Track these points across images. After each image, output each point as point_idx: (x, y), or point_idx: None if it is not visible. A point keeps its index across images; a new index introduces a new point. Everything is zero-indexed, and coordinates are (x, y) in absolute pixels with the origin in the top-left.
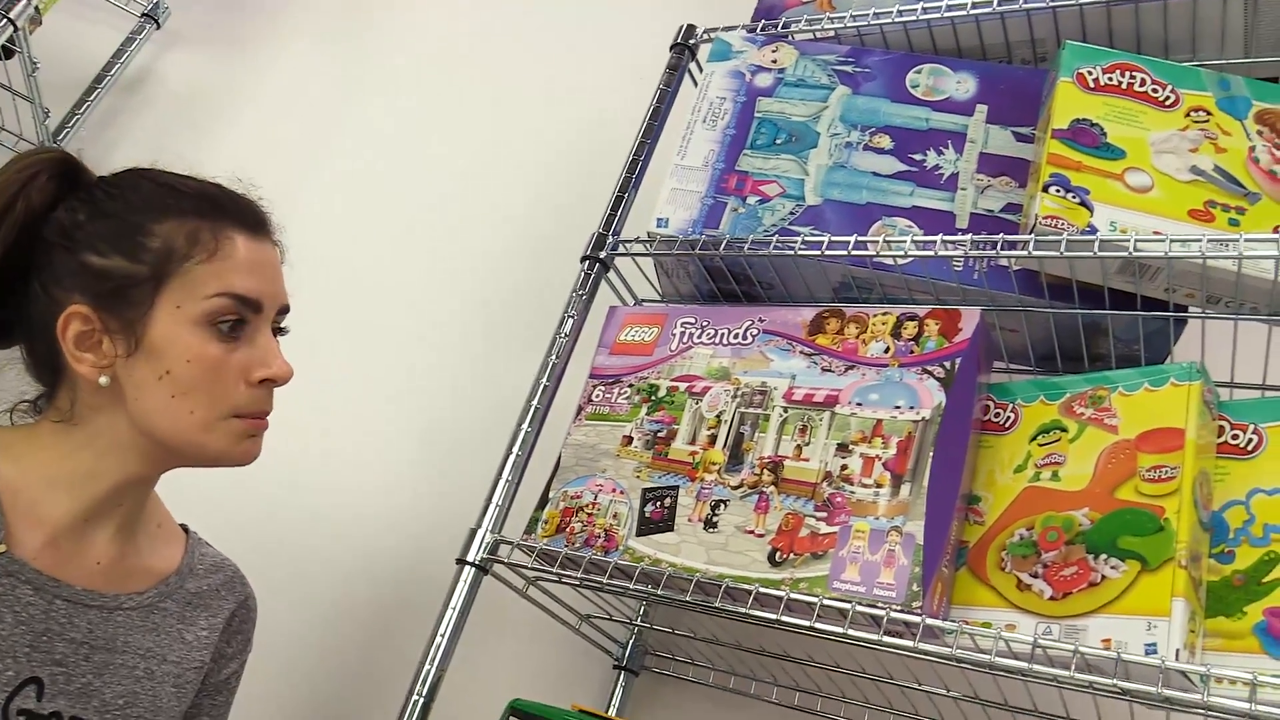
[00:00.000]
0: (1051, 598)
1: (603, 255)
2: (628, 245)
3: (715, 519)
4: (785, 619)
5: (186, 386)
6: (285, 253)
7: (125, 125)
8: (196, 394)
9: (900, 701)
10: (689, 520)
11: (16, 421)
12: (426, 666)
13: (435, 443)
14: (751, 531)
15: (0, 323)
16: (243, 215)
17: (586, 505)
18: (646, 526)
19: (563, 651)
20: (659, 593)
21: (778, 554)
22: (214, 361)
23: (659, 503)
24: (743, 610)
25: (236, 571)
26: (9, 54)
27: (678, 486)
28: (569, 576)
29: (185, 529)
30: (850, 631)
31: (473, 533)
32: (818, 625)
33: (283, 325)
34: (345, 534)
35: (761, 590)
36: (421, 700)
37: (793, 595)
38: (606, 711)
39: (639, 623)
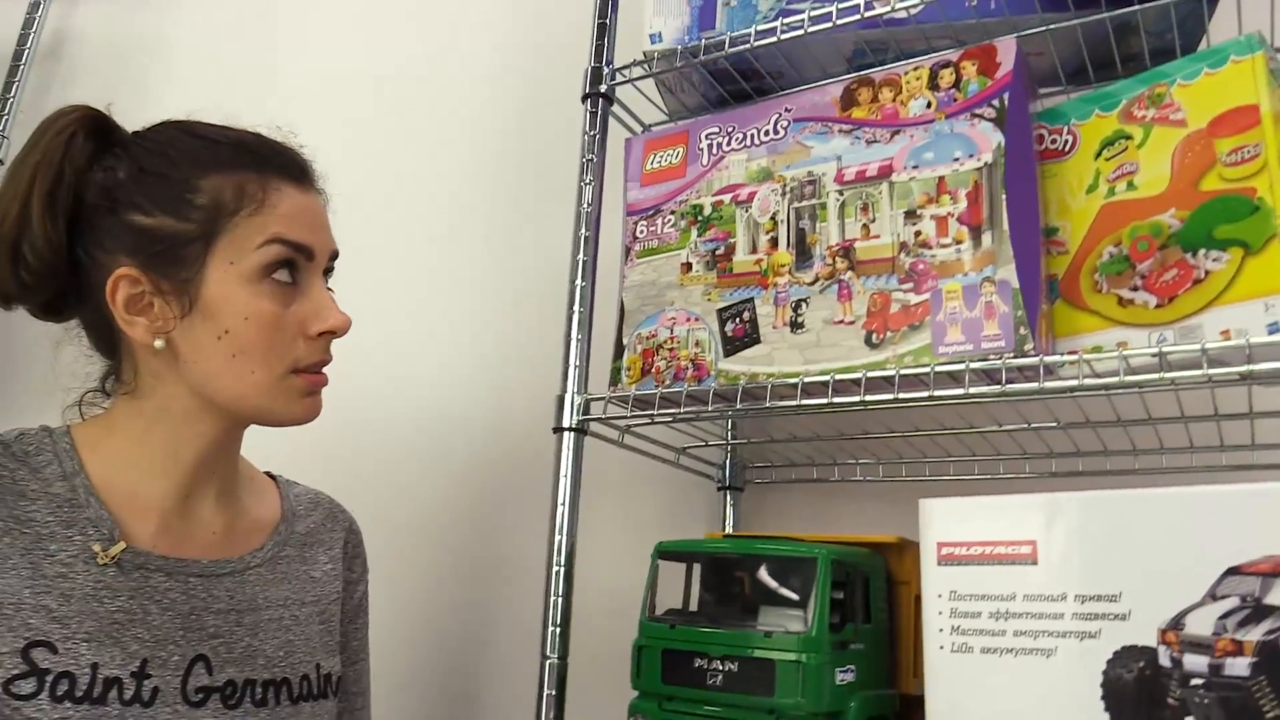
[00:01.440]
0: (1158, 305)
1: (603, 89)
2: (626, 72)
3: (800, 319)
4: (903, 396)
5: (246, 345)
6: (329, 200)
7: (63, 94)
8: (256, 352)
9: (1007, 446)
10: (773, 328)
11: (87, 412)
12: (557, 538)
13: (495, 325)
14: (840, 321)
15: (53, 296)
16: (287, 164)
17: (664, 342)
18: (732, 346)
19: (662, 492)
20: (768, 405)
21: (873, 336)
22: (272, 317)
23: (737, 319)
24: (857, 399)
25: (331, 501)
26: None
27: (752, 298)
28: (667, 414)
29: (271, 475)
30: (972, 390)
31: (560, 399)
32: (937, 393)
33: (332, 270)
34: (435, 435)
35: (869, 376)
36: (562, 570)
37: (902, 372)
38: (725, 527)
39: (733, 441)
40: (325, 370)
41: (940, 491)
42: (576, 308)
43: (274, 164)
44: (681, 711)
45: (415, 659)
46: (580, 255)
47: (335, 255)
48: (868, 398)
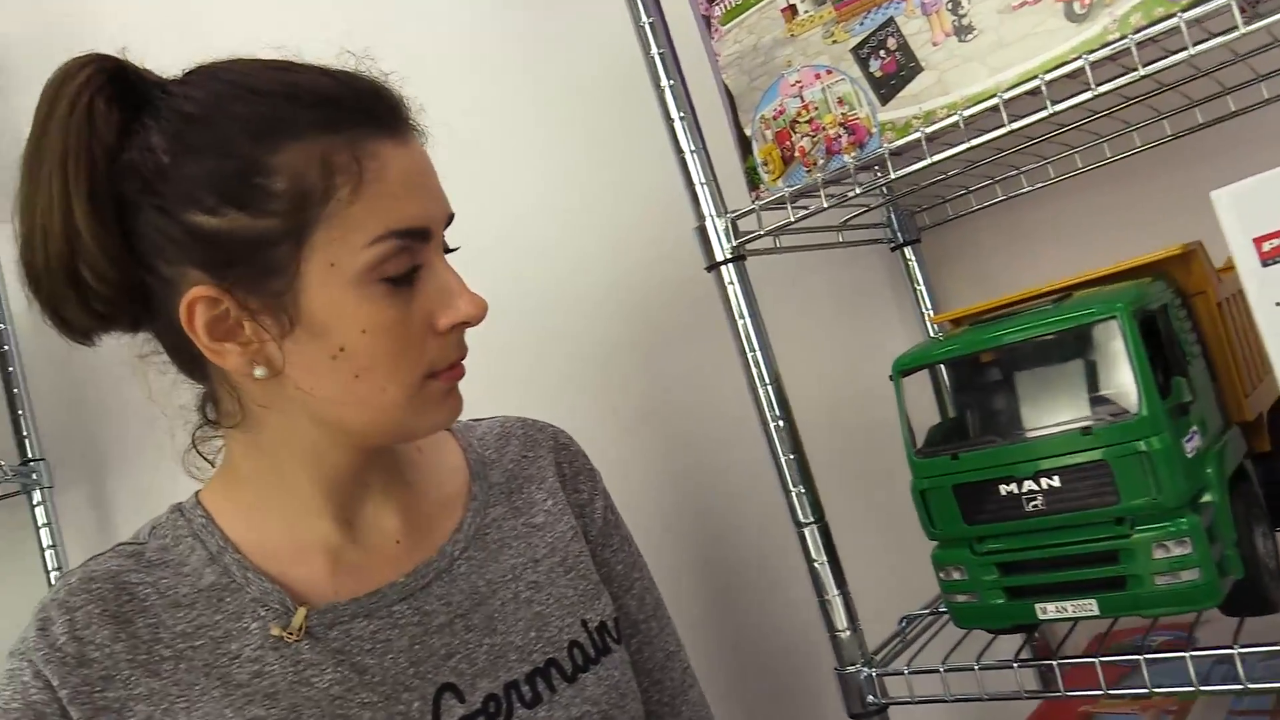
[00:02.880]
0: None
1: None
2: None
3: (964, 20)
4: (1150, 69)
5: (370, 362)
6: (425, 136)
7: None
8: (383, 368)
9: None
10: (933, 45)
11: (205, 454)
12: (754, 369)
13: (596, 169)
14: (1024, 2)
15: (106, 304)
16: (379, 112)
17: (798, 114)
18: (886, 87)
19: (829, 277)
20: (969, 143)
21: (1075, 5)
22: (395, 324)
23: (881, 51)
24: (1083, 93)
25: (523, 424)
26: None
27: (891, 18)
28: (835, 199)
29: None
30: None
31: (701, 230)
32: (1197, 48)
33: (448, 242)
34: (586, 311)
35: (1092, 60)
36: (769, 379)
37: (1135, 38)
38: (915, 286)
39: (891, 195)
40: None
41: (1159, 170)
42: (674, 113)
43: (363, 114)
44: (1002, 550)
45: (661, 544)
46: (654, 51)
47: (451, 219)
48: (1100, 89)
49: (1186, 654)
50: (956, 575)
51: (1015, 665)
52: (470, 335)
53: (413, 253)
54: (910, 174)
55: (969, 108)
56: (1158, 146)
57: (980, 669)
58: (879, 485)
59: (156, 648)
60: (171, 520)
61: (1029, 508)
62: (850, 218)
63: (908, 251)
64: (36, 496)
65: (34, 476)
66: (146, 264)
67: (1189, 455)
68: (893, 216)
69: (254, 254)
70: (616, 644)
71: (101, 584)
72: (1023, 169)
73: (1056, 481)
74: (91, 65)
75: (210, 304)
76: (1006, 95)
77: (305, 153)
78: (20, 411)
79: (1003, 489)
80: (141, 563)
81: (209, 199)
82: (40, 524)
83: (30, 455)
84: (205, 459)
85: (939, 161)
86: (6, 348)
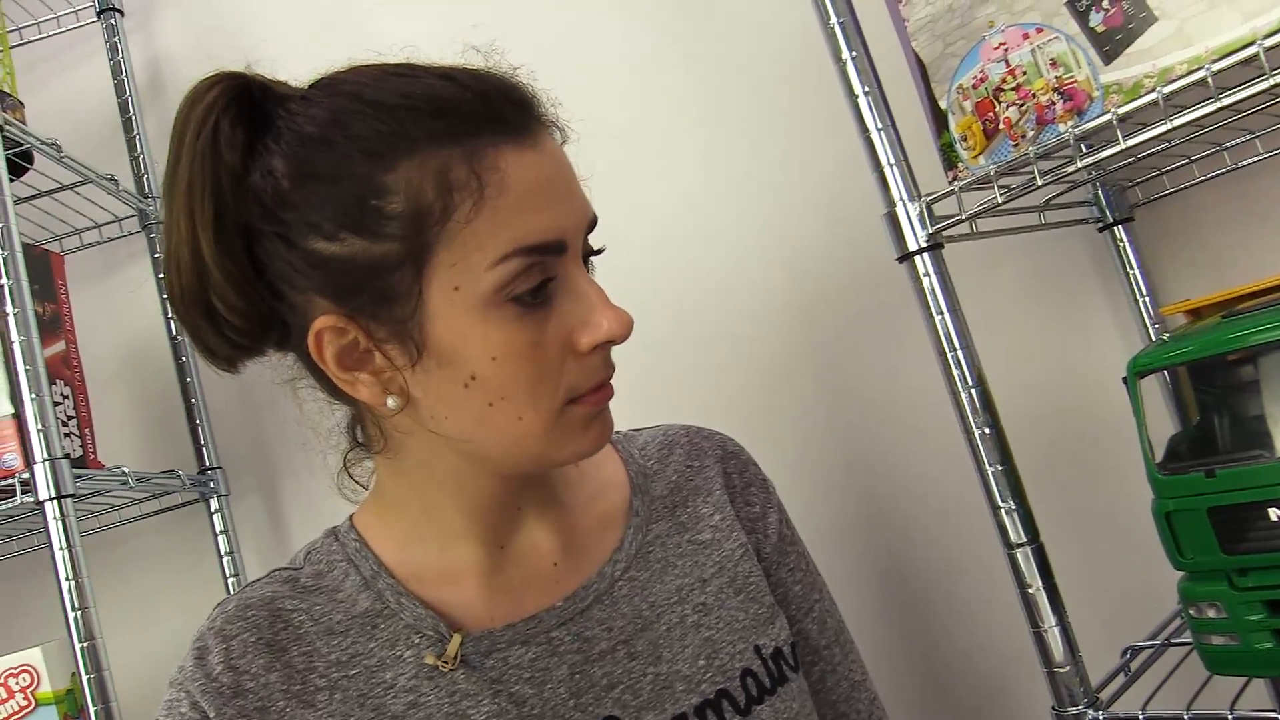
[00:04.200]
0: None
1: None
2: None
3: None
4: None
5: (503, 390)
6: (566, 132)
7: None
8: (518, 395)
9: None
10: None
11: (356, 477)
12: (955, 370)
13: (771, 158)
14: None
15: (240, 334)
16: (498, 117)
17: (1002, 81)
18: (1112, 44)
19: (1030, 261)
20: (1222, 102)
21: None
22: (527, 348)
23: (1104, 3)
24: None
25: (687, 431)
26: (22, 166)
27: None
28: (1050, 175)
29: None
30: None
31: (892, 216)
32: None
33: (593, 246)
34: (766, 305)
35: None
36: (973, 381)
37: None
38: (1128, 269)
39: (1096, 171)
40: (611, 383)
41: None
42: (859, 89)
43: (485, 121)
44: (1272, 586)
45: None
46: (832, 20)
47: (595, 220)
48: None
49: None
50: (1211, 613)
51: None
52: (634, 337)
53: (545, 267)
54: (1142, 144)
55: (1217, 60)
56: None
57: (1234, 717)
58: (1091, 496)
59: (311, 677)
60: (326, 544)
61: None
62: (1054, 196)
63: (1119, 231)
64: (214, 504)
65: (211, 485)
66: (276, 292)
67: None
68: (1100, 192)
69: (374, 281)
70: (794, 672)
71: (257, 611)
72: (1257, 133)
73: None
74: (219, 86)
75: (337, 334)
76: (1267, 43)
77: (421, 169)
78: (197, 421)
79: (1273, 513)
80: (297, 589)
81: (327, 225)
82: (218, 531)
83: (208, 464)
84: (357, 482)
85: (1178, 128)
86: (184, 359)
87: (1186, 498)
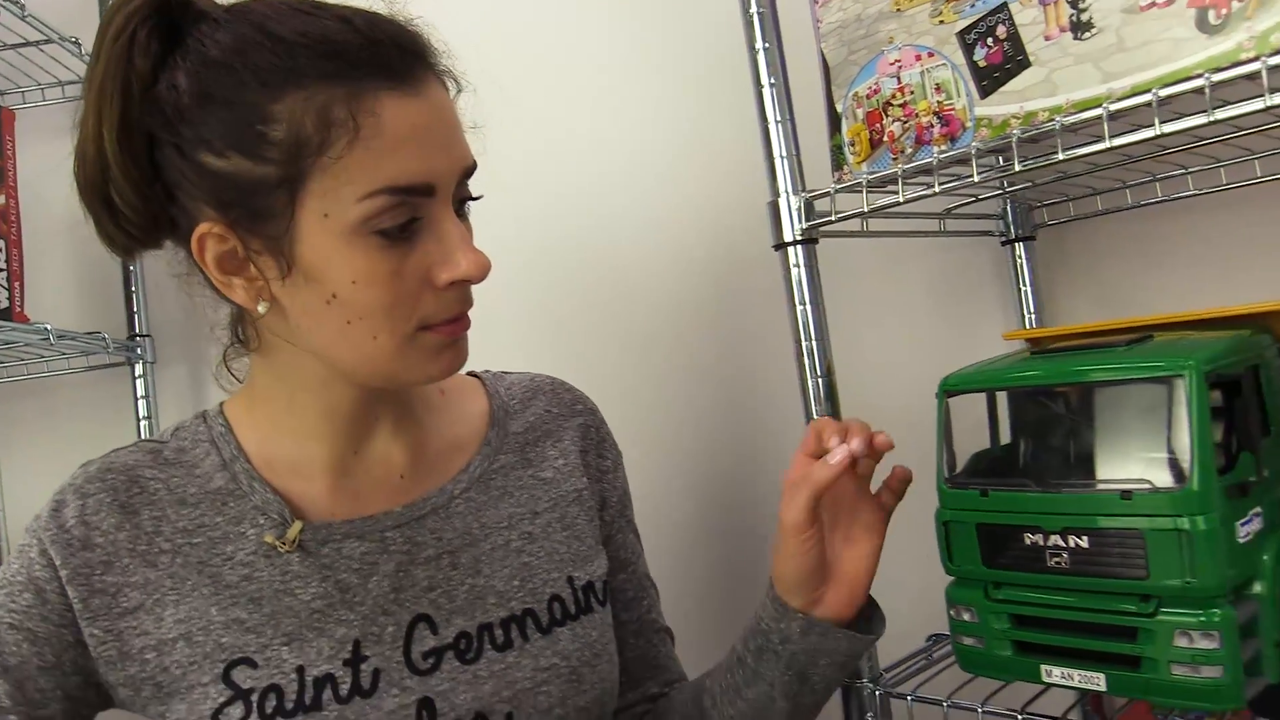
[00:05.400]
0: None
1: None
2: None
3: (1084, 15)
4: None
5: (360, 310)
6: (460, 83)
7: None
8: (374, 316)
9: None
10: (1046, 39)
11: (235, 369)
12: (806, 360)
13: (678, 132)
14: (1151, 4)
15: (136, 228)
16: (385, 63)
17: (892, 96)
18: (990, 79)
19: (929, 266)
20: (1060, 157)
21: (1210, 14)
22: (386, 276)
23: (989, 39)
24: (1200, 118)
25: (555, 384)
26: None
27: (1004, 4)
28: (917, 191)
29: (474, 374)
30: None
31: (774, 207)
32: None
33: (470, 191)
34: (649, 276)
35: (1214, 80)
36: (821, 371)
37: (1273, 62)
38: (1021, 286)
39: (1011, 189)
40: (467, 317)
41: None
42: (766, 80)
43: (366, 66)
44: (1017, 601)
45: (683, 515)
46: (753, 8)
47: (472, 169)
48: (1217, 115)
49: None
50: (967, 616)
51: (1019, 716)
52: (518, 293)
53: (413, 207)
54: (1002, 175)
55: (1072, 114)
56: None
57: (982, 712)
58: (922, 496)
59: (158, 540)
60: (194, 425)
61: (1052, 563)
62: (955, 206)
63: (1019, 248)
64: (139, 369)
65: (139, 351)
66: (170, 194)
67: (1241, 540)
68: (1009, 208)
69: (253, 198)
70: (601, 606)
71: (117, 475)
72: (1159, 176)
73: (1085, 542)
74: None
75: (218, 240)
76: (1113, 106)
77: (305, 103)
78: (133, 289)
79: (1028, 538)
80: (159, 460)
81: (217, 142)
82: (139, 395)
83: (137, 331)
84: (234, 375)
85: (1038, 168)
86: None
87: (962, 511)
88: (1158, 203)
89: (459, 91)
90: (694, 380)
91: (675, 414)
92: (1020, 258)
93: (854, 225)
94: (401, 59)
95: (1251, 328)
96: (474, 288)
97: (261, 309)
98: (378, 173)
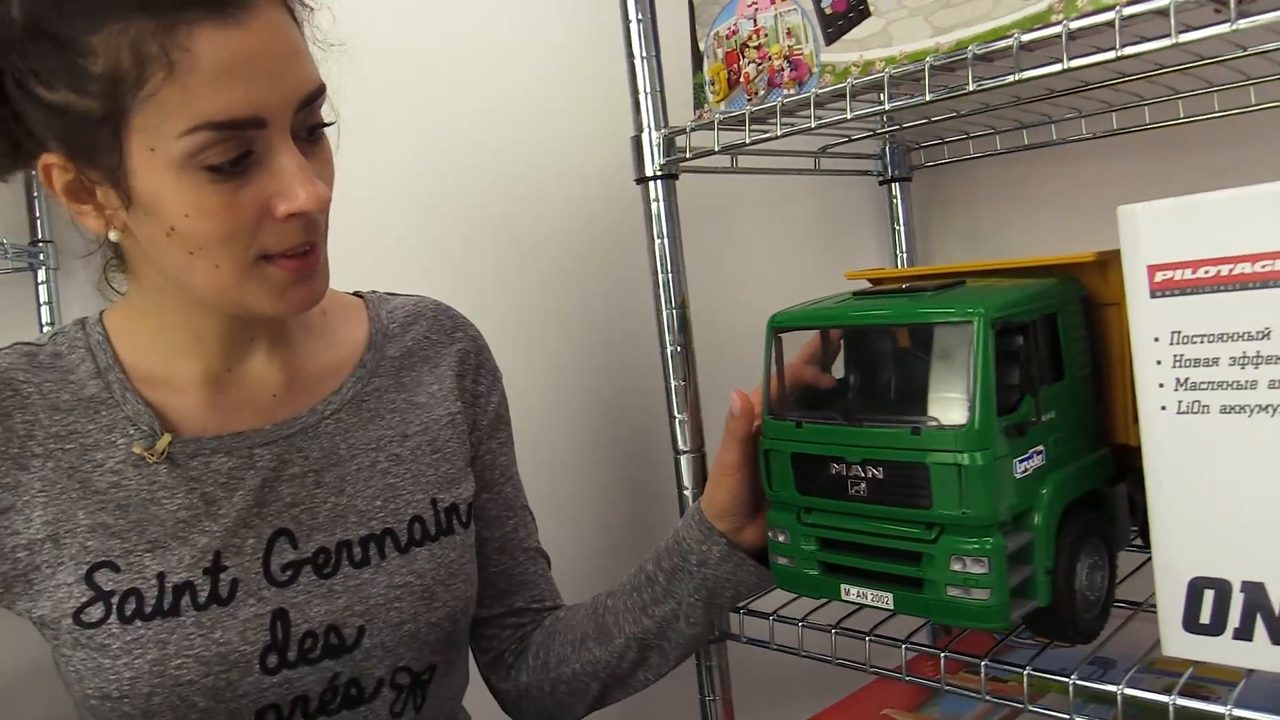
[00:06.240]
0: None
1: None
2: None
3: None
4: (1075, 64)
5: (199, 241)
6: (305, 2)
7: None
8: (211, 247)
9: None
10: None
11: (114, 283)
12: (661, 291)
13: (544, 65)
14: None
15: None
16: None
17: (749, 38)
18: (834, 27)
19: (810, 204)
20: (888, 107)
21: None
22: (218, 208)
23: None
24: (1007, 75)
25: (438, 308)
26: None
27: None
28: (762, 136)
29: (359, 295)
30: (1185, 40)
31: (637, 141)
32: (1126, 51)
33: (320, 117)
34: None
35: (1024, 40)
36: (675, 304)
37: (1073, 25)
38: (895, 225)
39: (889, 127)
40: (314, 248)
41: (1169, 150)
42: (634, 16)
43: None
44: (823, 525)
45: (552, 454)
46: None
47: (313, 97)
48: (1024, 74)
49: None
50: (781, 539)
51: (799, 624)
52: (394, 221)
53: (243, 140)
54: (832, 124)
55: (900, 66)
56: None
57: (836, 630)
58: None
59: (29, 444)
60: (73, 331)
61: (852, 491)
62: (828, 146)
63: (895, 188)
64: (40, 275)
65: (40, 258)
66: (19, 120)
67: (1019, 475)
68: (887, 149)
69: (82, 132)
70: (464, 529)
71: None
72: (1026, 125)
73: (880, 474)
74: None
75: (62, 170)
76: (934, 62)
77: (120, 37)
78: (35, 195)
79: (833, 468)
80: (33, 363)
81: (45, 74)
82: (41, 302)
83: (39, 236)
84: (114, 289)
85: (868, 113)
86: None
87: (780, 440)
88: (1023, 149)
89: (310, 12)
90: (562, 310)
91: (547, 345)
92: (896, 197)
93: (721, 161)
94: None
95: (1060, 277)
96: (344, 226)
97: (113, 236)
98: (196, 108)
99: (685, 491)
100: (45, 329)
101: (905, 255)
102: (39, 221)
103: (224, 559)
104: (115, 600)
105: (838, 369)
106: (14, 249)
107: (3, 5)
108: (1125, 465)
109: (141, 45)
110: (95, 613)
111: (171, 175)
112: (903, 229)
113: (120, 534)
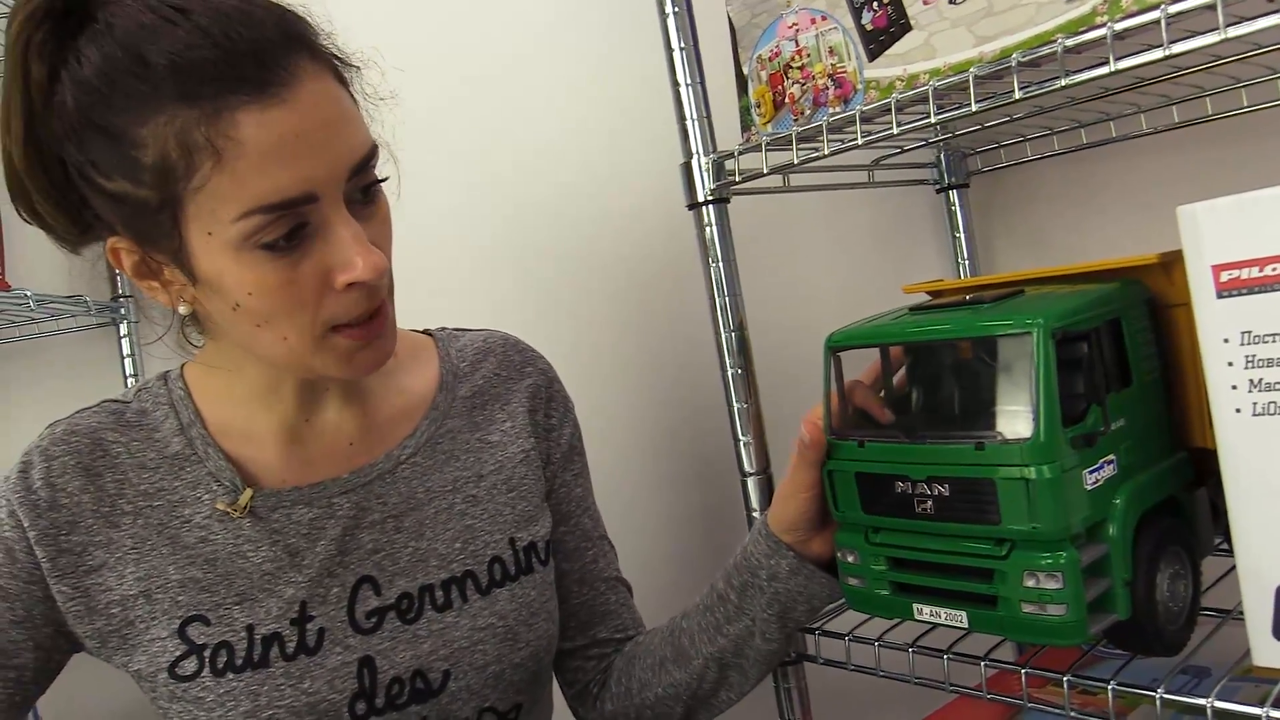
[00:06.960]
0: None
1: None
2: None
3: None
4: (1123, 67)
5: (263, 317)
6: (350, 63)
7: None
8: (278, 321)
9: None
10: (924, 4)
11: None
12: (719, 315)
13: (597, 100)
14: None
15: (67, 232)
16: (241, 76)
17: (791, 58)
18: (876, 42)
19: (865, 216)
20: (934, 120)
21: None
22: (279, 285)
23: (874, 4)
24: (1053, 81)
25: (508, 342)
26: None
27: None
28: (811, 155)
29: (429, 333)
30: (1234, 35)
31: (687, 167)
32: (1175, 49)
33: (374, 176)
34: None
35: (1067, 45)
36: (733, 326)
37: (1118, 26)
38: (955, 233)
39: (943, 136)
40: (381, 309)
41: (1235, 140)
42: (677, 44)
43: (225, 82)
44: (892, 545)
45: (621, 482)
46: None
47: (364, 162)
48: (1071, 79)
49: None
50: (851, 559)
51: (875, 644)
52: (460, 253)
53: (296, 215)
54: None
55: (944, 78)
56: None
57: (913, 649)
58: None
59: (120, 502)
60: (156, 386)
61: (919, 509)
62: (882, 158)
63: (953, 195)
64: (123, 329)
65: (121, 312)
66: (85, 206)
67: (1090, 487)
68: (942, 157)
69: (142, 219)
70: (543, 565)
71: (81, 438)
72: (1084, 124)
73: (946, 490)
74: None
75: (128, 252)
76: (978, 73)
77: (167, 128)
78: None
79: (898, 486)
80: (120, 422)
81: (103, 165)
82: (124, 355)
83: (119, 292)
84: (193, 345)
85: (955, 118)
86: None
87: (843, 460)
88: (1082, 148)
89: (355, 71)
90: (624, 338)
91: (610, 373)
92: (954, 205)
93: (773, 182)
94: (260, 68)
95: (1123, 280)
96: (409, 267)
97: (183, 310)
98: (247, 193)
99: (754, 513)
100: (130, 380)
101: (966, 263)
102: (118, 277)
103: (310, 609)
104: (208, 654)
105: (898, 385)
106: (96, 306)
107: (59, 95)
108: (1205, 469)
109: (188, 135)
110: (189, 666)
111: (230, 257)
112: (963, 236)
113: (209, 588)
